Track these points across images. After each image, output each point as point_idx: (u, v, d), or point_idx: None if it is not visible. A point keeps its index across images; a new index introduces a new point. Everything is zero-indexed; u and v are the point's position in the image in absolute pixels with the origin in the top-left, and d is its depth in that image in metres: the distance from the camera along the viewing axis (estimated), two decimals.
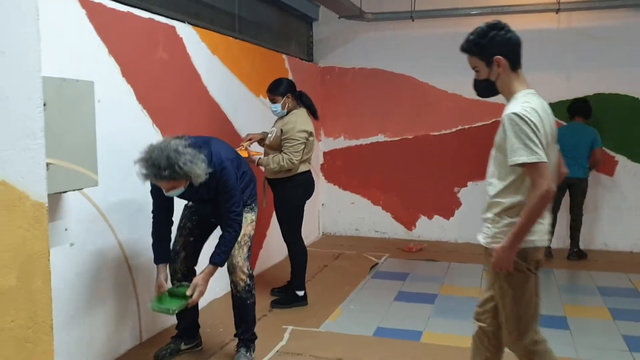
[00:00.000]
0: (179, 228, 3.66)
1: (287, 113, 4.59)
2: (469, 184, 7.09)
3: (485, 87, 2.66)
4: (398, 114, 7.19)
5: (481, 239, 2.68)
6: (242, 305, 3.61)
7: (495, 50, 2.54)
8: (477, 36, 2.59)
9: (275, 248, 5.89)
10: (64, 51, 3.17)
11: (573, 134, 6.17)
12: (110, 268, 3.63)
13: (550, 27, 6.65)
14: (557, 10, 6.40)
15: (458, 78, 6.91)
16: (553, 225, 6.34)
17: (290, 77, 6.22)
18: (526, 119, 2.39)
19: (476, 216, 6.85)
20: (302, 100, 4.73)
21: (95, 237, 3.49)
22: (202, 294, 3.31)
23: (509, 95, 2.59)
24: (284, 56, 6.21)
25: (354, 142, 7.37)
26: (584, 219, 6.50)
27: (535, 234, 2.51)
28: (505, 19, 6.56)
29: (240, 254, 3.56)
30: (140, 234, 3.80)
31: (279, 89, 4.56)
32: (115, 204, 3.64)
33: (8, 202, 1.86)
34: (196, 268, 3.67)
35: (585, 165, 6.16)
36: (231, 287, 3.63)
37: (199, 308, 3.78)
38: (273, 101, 4.57)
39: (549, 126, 2.50)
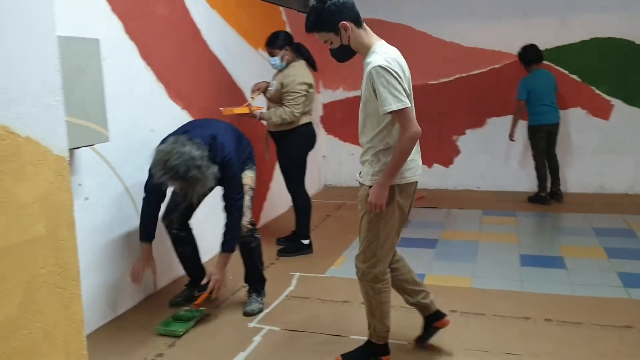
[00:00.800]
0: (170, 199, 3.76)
1: (286, 66, 4.65)
2: (467, 131, 7.18)
3: (341, 53, 2.85)
4: None
5: (363, 180, 2.92)
6: (247, 249, 3.75)
7: (336, 19, 2.72)
8: (316, 14, 2.75)
9: (279, 200, 6.03)
10: (69, 9, 3.22)
11: (541, 81, 6.34)
12: (122, 220, 3.76)
13: None
14: None
15: (455, 26, 6.96)
16: (553, 169, 6.49)
17: (287, 29, 6.24)
18: (389, 69, 2.62)
19: (475, 163, 7.07)
20: (301, 53, 4.77)
21: (107, 191, 3.60)
22: (218, 282, 3.48)
23: (365, 50, 2.79)
24: (280, 8, 6.21)
25: (352, 94, 7.42)
26: (581, 162, 6.67)
27: (409, 171, 2.82)
28: None
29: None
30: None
31: (276, 42, 4.61)
32: (124, 158, 3.74)
33: (33, 157, 1.96)
34: (190, 223, 3.85)
35: (558, 109, 6.38)
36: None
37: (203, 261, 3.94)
38: (272, 54, 4.62)
39: (407, 72, 2.80)
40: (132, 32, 3.76)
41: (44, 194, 2.01)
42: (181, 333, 3.43)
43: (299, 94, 4.52)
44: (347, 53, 2.85)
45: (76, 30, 3.21)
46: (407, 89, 2.72)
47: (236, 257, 3.81)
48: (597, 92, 6.70)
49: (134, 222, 3.87)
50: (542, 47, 6.65)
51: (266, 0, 5.91)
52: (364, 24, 2.81)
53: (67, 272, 2.13)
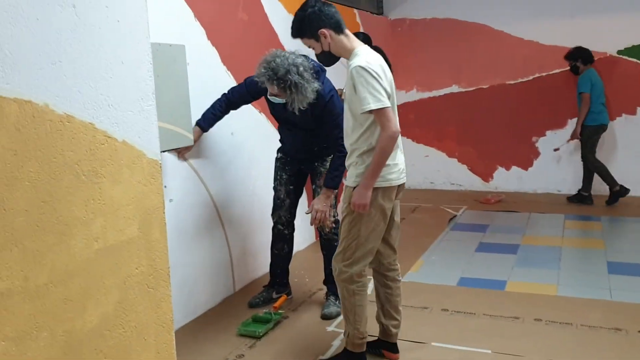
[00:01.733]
0: (276, 179, 3.86)
1: None
2: (548, 132, 6.94)
3: (325, 58, 2.95)
4: (472, 63, 7.07)
5: (347, 181, 2.93)
6: (330, 247, 3.76)
7: (316, 26, 2.83)
8: (297, 22, 2.89)
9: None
10: (156, 17, 3.31)
11: (599, 80, 6.18)
12: (205, 221, 3.84)
13: None
14: None
15: (534, 24, 6.75)
16: (591, 173, 6.37)
17: (361, 31, 6.21)
18: (369, 69, 2.67)
19: (555, 165, 6.80)
20: None
21: (190, 192, 3.69)
22: (320, 212, 3.51)
23: (347, 54, 2.86)
24: (355, 11, 6.19)
25: (427, 94, 7.32)
26: None
27: (392, 174, 2.83)
28: None
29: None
30: (230, 188, 4.02)
31: None
32: (206, 161, 3.82)
33: (129, 160, 2.02)
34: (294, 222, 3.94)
35: None
36: (318, 230, 3.80)
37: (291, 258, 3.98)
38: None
39: (389, 76, 2.82)
40: (214, 38, 3.84)
41: (138, 197, 2.07)
42: (261, 334, 3.46)
43: None
44: (329, 58, 2.94)
45: (161, 36, 3.30)
46: (388, 90, 2.74)
47: (313, 257, 3.83)
48: None
49: (216, 224, 3.95)
50: (628, 44, 6.42)
51: (341, 3, 5.91)
52: (346, 30, 2.88)
53: (158, 273, 2.18)
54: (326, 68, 3.29)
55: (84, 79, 1.83)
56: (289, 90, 3.27)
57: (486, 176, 7.26)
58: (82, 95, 1.83)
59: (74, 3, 1.79)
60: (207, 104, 3.75)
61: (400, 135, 2.87)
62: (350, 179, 2.92)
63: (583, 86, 6.14)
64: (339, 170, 3.48)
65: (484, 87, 7.07)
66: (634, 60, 6.42)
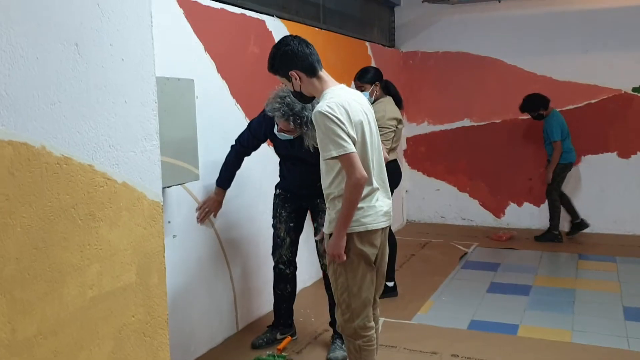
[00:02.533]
0: (275, 216, 3.74)
1: (374, 102, 4.56)
2: None
3: (297, 97, 2.85)
4: (485, 97, 7.00)
5: (325, 229, 2.82)
6: None
7: (287, 67, 2.72)
8: (270, 57, 2.79)
9: None
10: (165, 50, 3.26)
11: (563, 122, 6.22)
12: (209, 258, 3.74)
13: None
14: None
15: (548, 60, 6.69)
16: (569, 202, 6.42)
17: (373, 63, 6.17)
18: (329, 115, 2.52)
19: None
20: (389, 89, 4.68)
21: (194, 228, 3.60)
22: None
23: (319, 96, 2.74)
24: (367, 43, 6.16)
25: (438, 127, 7.24)
26: None
27: (368, 218, 2.67)
28: None
29: None
30: (235, 223, 3.93)
31: (366, 77, 4.53)
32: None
33: (129, 203, 1.94)
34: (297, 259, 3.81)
35: None
36: (322, 269, 3.67)
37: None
38: (361, 89, 4.53)
39: (361, 115, 2.66)
40: (224, 71, 3.79)
41: (137, 240, 1.98)
42: None
43: (389, 130, 4.40)
44: (301, 98, 2.84)
45: (170, 69, 3.24)
46: (351, 134, 2.57)
47: (319, 295, 3.70)
48: None
49: (220, 261, 3.85)
50: None
51: (352, 36, 5.88)
52: (321, 72, 2.73)
53: (156, 321, 2.09)
54: None
55: (84, 120, 1.76)
56: (305, 126, 3.21)
57: (498, 212, 7.13)
58: (82, 136, 1.76)
59: (77, 41, 1.73)
60: (215, 138, 3.69)
61: (380, 178, 2.76)
62: (325, 225, 2.80)
63: (555, 134, 6.13)
64: None
65: (496, 121, 6.98)
66: None
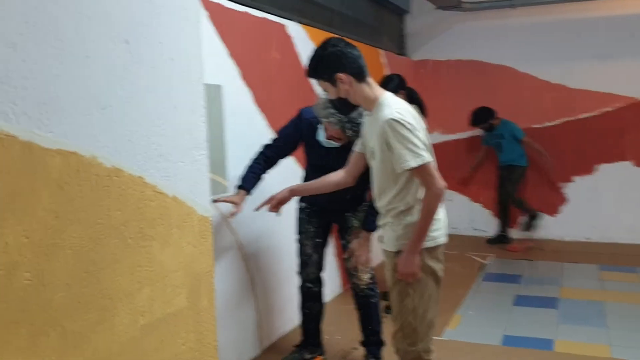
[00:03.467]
0: (301, 232, 3.54)
1: None
2: (575, 178, 6.67)
3: (341, 105, 2.68)
4: (497, 106, 6.82)
5: (387, 246, 2.61)
6: (366, 304, 3.49)
7: (334, 69, 2.47)
8: (314, 61, 2.55)
9: (376, 247, 5.71)
10: None
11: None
12: (233, 274, 3.54)
13: None
14: None
15: (561, 67, 6.56)
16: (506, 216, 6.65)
17: (386, 71, 6.02)
18: (404, 122, 2.35)
19: (583, 212, 6.54)
20: (412, 97, 4.51)
21: (219, 243, 3.40)
22: (361, 257, 3.30)
23: (369, 105, 2.53)
24: (380, 51, 6.01)
25: (450, 137, 7.08)
26: None
27: (437, 232, 2.52)
28: (614, 3, 6.24)
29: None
30: (258, 237, 3.74)
31: (391, 86, 4.35)
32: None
33: (179, 219, 1.75)
34: (322, 275, 3.59)
35: None
36: (353, 287, 3.51)
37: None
38: None
39: (422, 124, 2.53)
40: (249, 78, 3.61)
41: (187, 260, 1.79)
42: None
43: None
44: (345, 106, 2.67)
45: None
46: (425, 140, 2.44)
47: (342, 311, 3.52)
48: None
49: (244, 277, 3.65)
50: None
51: (366, 43, 5.72)
52: (369, 78, 2.53)
53: (206, 348, 1.89)
54: None
55: (135, 126, 1.57)
56: (359, 134, 2.98)
57: (511, 222, 6.97)
58: (133, 144, 1.57)
59: (127, 38, 1.54)
60: (242, 148, 3.49)
61: None
62: (389, 242, 2.58)
63: (518, 131, 6.33)
64: (377, 212, 3.20)
65: (508, 119, 6.82)
66: None
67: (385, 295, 4.78)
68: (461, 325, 4.24)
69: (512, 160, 6.38)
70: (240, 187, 3.23)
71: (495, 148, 6.49)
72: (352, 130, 3.01)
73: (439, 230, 2.54)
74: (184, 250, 1.77)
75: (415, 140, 2.35)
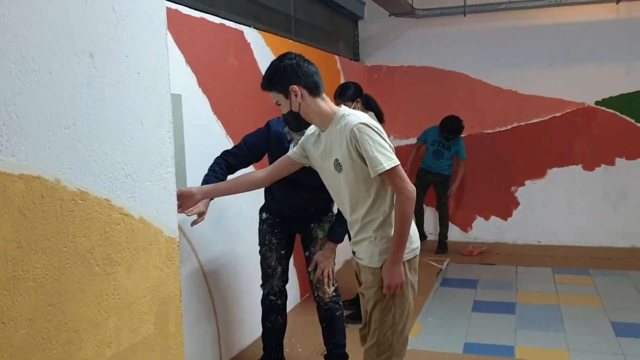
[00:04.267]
0: (264, 244, 3.44)
1: None
2: (527, 182, 6.82)
3: (291, 119, 2.53)
4: (450, 112, 6.87)
5: (368, 262, 2.50)
6: (330, 317, 3.44)
7: (289, 81, 2.44)
8: (270, 72, 2.51)
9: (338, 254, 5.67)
10: None
11: None
12: (191, 287, 3.43)
13: (610, 18, 6.36)
14: (618, 1, 6.12)
15: (513, 74, 6.69)
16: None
17: (342, 78, 6.00)
18: (372, 126, 2.34)
19: (535, 216, 6.68)
20: (369, 105, 4.50)
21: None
22: (326, 270, 3.26)
23: (325, 120, 2.46)
24: (336, 57, 5.98)
25: (404, 142, 7.11)
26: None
27: (414, 243, 2.51)
28: (564, 11, 6.40)
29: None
30: (217, 249, 3.64)
31: (347, 94, 4.32)
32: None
33: (146, 241, 1.66)
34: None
35: None
36: (317, 299, 3.44)
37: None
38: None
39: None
40: (206, 85, 3.51)
41: (154, 285, 1.70)
42: None
43: None
44: (296, 121, 2.52)
45: None
46: (392, 146, 2.43)
47: (301, 321, 3.46)
48: None
49: (203, 290, 3.54)
50: (606, 95, 6.43)
51: (321, 49, 5.69)
52: (324, 95, 2.50)
53: None
54: None
55: (100, 145, 1.47)
56: None
57: (465, 226, 7.06)
58: (98, 165, 1.47)
59: (92, 52, 1.44)
60: (200, 158, 3.39)
61: None
62: (371, 258, 2.48)
63: (463, 153, 6.47)
64: (344, 224, 3.08)
65: (462, 135, 6.91)
66: (612, 111, 6.42)
67: (346, 304, 4.74)
68: (422, 333, 4.24)
69: (443, 170, 6.46)
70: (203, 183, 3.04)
71: (434, 153, 6.44)
72: None
73: (416, 241, 2.53)
74: (150, 274, 1.67)
75: (384, 144, 2.34)
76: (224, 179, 3.11)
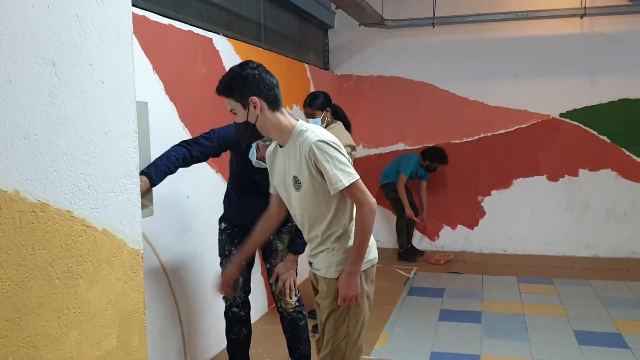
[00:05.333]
0: (224, 255, 3.38)
1: (325, 127, 4.37)
2: (493, 192, 6.91)
3: (245, 130, 2.46)
4: (418, 122, 7.00)
5: (325, 273, 2.51)
6: (295, 327, 3.42)
7: (249, 91, 2.37)
8: (230, 78, 2.42)
9: (303, 262, 5.65)
10: None
11: None
12: (156, 297, 3.38)
13: (574, 32, 6.50)
14: (582, 15, 6.26)
15: (480, 85, 6.79)
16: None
17: (312, 86, 6.01)
18: (330, 142, 2.34)
19: (501, 225, 6.77)
20: (338, 114, 4.52)
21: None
22: (287, 281, 3.24)
23: (283, 134, 2.43)
24: (305, 65, 5.99)
25: (373, 151, 7.15)
26: (612, 225, 6.52)
27: (372, 252, 2.52)
28: (529, 25, 6.53)
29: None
30: (183, 259, 3.59)
31: (316, 103, 4.34)
32: (159, 227, 3.38)
33: (109, 253, 1.62)
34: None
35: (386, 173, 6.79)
36: (280, 311, 3.43)
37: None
38: (312, 116, 4.33)
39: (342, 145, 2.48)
40: (173, 92, 3.47)
41: (117, 298, 1.66)
42: None
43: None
44: (250, 132, 2.45)
45: None
46: (350, 160, 2.46)
47: (269, 331, 3.44)
48: (628, 153, 6.50)
49: (168, 300, 3.49)
50: (570, 107, 6.57)
51: (291, 58, 5.69)
52: (283, 108, 2.45)
53: None
54: None
55: (61, 155, 1.44)
56: None
57: (432, 235, 7.12)
58: (59, 176, 1.44)
59: (54, 60, 1.41)
60: None
61: None
62: (329, 269, 2.47)
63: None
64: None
65: (430, 145, 6.97)
66: (576, 123, 6.55)
67: (311, 314, 4.73)
68: (389, 342, 4.25)
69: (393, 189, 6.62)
70: (144, 174, 2.83)
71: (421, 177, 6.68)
72: None
73: (373, 252, 2.53)
74: (113, 286, 1.64)
75: (344, 159, 2.33)
76: (173, 171, 3.02)
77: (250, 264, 3.45)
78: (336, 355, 2.48)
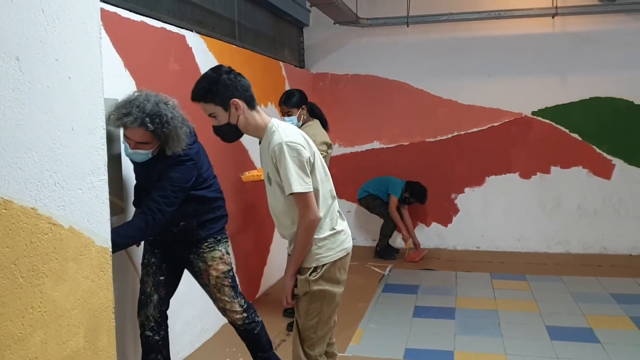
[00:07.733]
0: (143, 265, 3.17)
1: (301, 125, 4.37)
2: (466, 190, 6.97)
3: (227, 132, 2.57)
4: (393, 120, 7.03)
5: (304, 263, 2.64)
6: (250, 336, 3.32)
7: (229, 94, 2.48)
8: (208, 83, 2.51)
9: (280, 263, 5.64)
10: None
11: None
12: (127, 300, 3.34)
13: (546, 31, 6.59)
14: (554, 15, 6.35)
15: (453, 84, 6.84)
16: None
17: (287, 84, 6.00)
18: (293, 146, 2.42)
19: (474, 222, 6.84)
20: (314, 112, 4.52)
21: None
22: (222, 300, 3.17)
23: (260, 132, 2.56)
24: (280, 63, 5.97)
25: (349, 150, 7.17)
26: (583, 222, 6.60)
27: (345, 242, 2.63)
28: (501, 24, 6.59)
29: (223, 297, 3.16)
30: None
31: (292, 101, 4.34)
32: None
33: (76, 252, 1.60)
34: (168, 312, 3.22)
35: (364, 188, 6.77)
36: (231, 323, 3.31)
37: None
38: (288, 114, 4.33)
39: (314, 146, 2.60)
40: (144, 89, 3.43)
41: (84, 297, 1.64)
42: None
43: (322, 155, 4.22)
44: (233, 132, 2.56)
45: None
46: (311, 160, 2.50)
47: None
48: (599, 151, 6.61)
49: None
50: (542, 106, 6.65)
51: (266, 55, 5.67)
52: (258, 107, 2.57)
53: None
54: None
55: (26, 152, 1.42)
56: (166, 128, 2.69)
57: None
58: (24, 173, 1.41)
59: (18, 55, 1.38)
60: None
61: (337, 200, 2.68)
62: (307, 259, 2.58)
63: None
64: (129, 231, 2.76)
65: (405, 143, 7.03)
66: (547, 121, 6.64)
67: (286, 312, 4.73)
68: (364, 339, 4.27)
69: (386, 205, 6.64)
70: None
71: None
72: (154, 124, 2.70)
73: (346, 241, 2.65)
74: (80, 285, 1.61)
75: (302, 166, 2.42)
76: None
77: (169, 281, 3.19)
78: (307, 332, 2.61)
